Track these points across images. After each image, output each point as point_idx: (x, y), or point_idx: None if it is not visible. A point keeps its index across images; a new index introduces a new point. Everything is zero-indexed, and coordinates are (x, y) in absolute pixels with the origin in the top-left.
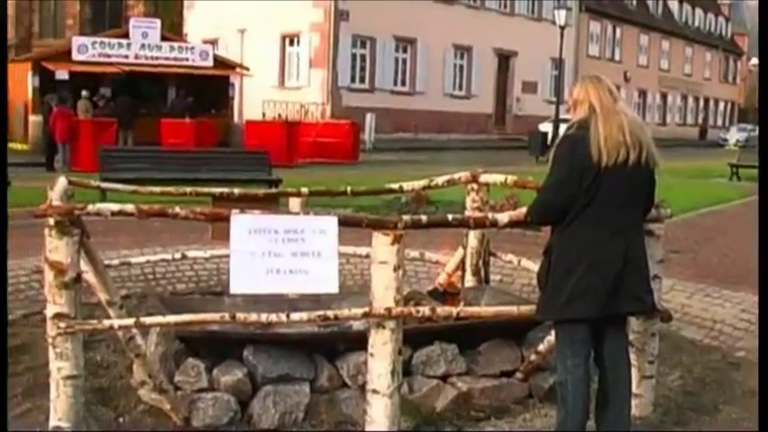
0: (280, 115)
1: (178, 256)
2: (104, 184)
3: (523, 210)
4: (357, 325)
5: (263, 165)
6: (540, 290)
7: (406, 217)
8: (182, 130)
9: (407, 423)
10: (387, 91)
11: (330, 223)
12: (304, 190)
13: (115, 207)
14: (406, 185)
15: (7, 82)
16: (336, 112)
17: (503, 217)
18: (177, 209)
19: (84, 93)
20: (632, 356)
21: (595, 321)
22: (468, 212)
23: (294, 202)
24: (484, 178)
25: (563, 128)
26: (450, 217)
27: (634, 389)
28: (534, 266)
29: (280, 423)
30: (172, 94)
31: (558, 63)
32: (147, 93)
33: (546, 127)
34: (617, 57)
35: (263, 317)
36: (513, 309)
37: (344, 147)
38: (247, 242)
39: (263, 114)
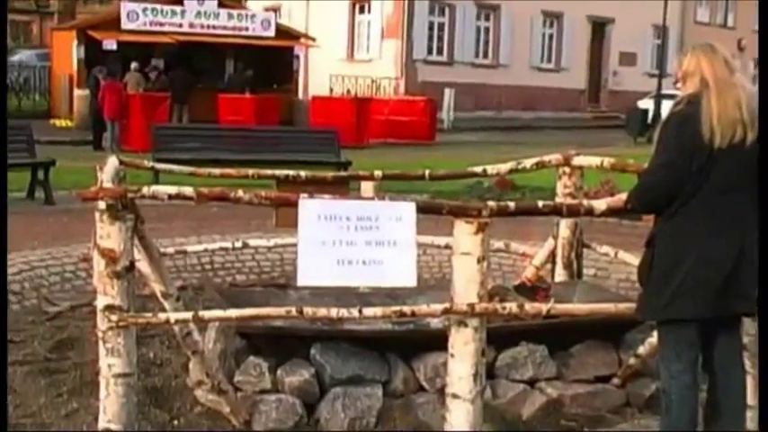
0: (348, 91)
1: (239, 244)
2: (158, 165)
3: (623, 196)
4: (435, 322)
5: (331, 145)
6: (641, 286)
7: (491, 203)
8: (241, 107)
9: (490, 431)
10: (467, 64)
11: (407, 209)
12: (377, 173)
13: (172, 190)
14: (491, 169)
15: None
16: (411, 88)
17: (599, 204)
18: (240, 192)
19: (134, 65)
20: (747, 362)
21: (704, 322)
22: (559, 199)
23: (366, 187)
24: (577, 161)
25: (666, 104)
26: (540, 203)
27: (749, 400)
28: (633, 259)
29: (349, 428)
30: (230, 67)
31: (662, 31)
32: (204, 65)
33: (646, 104)
34: (730, 22)
35: (333, 312)
36: (610, 307)
37: (420, 126)
38: (316, 230)
39: (331, 90)
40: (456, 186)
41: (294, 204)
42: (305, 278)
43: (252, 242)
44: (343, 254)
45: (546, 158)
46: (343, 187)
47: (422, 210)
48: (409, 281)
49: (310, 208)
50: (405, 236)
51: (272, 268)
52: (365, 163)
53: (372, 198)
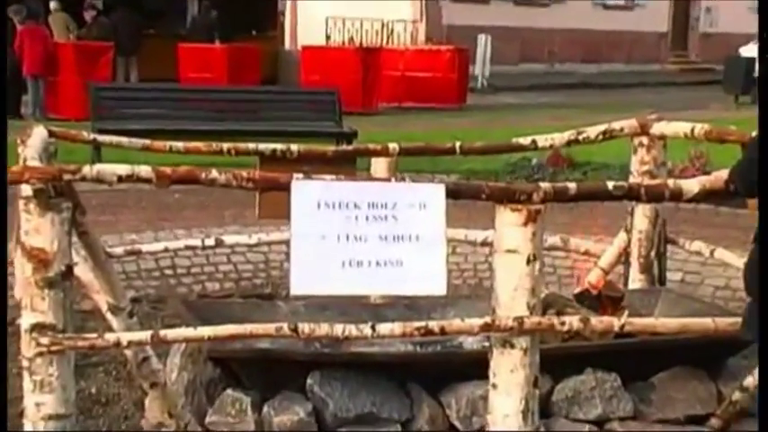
0: (351, 39)
1: (210, 242)
2: (102, 137)
3: (721, 174)
4: (471, 343)
5: (331, 111)
6: (749, 295)
7: (544, 185)
8: (209, 61)
9: None
10: (508, 0)
11: (434, 194)
12: (393, 146)
13: (123, 170)
14: (542, 140)
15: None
16: (434, 34)
17: (690, 185)
18: (214, 172)
19: (53, 3)
20: None
21: None
22: (634, 179)
23: (379, 165)
24: (657, 128)
25: None
26: (609, 185)
27: None
28: (736, 260)
29: None
30: (193, 6)
31: None
32: (157, 4)
33: (750, 50)
34: None
35: (338, 329)
36: (706, 322)
37: (446, 84)
38: (315, 221)
39: (328, 38)
40: (495, 164)
41: (285, 188)
42: (300, 285)
43: (228, 239)
44: (351, 253)
45: (616, 126)
46: (348, 165)
47: (453, 194)
48: (437, 288)
49: (307, 193)
50: (431, 229)
51: (254, 273)
52: (376, 134)
53: (388, 179)
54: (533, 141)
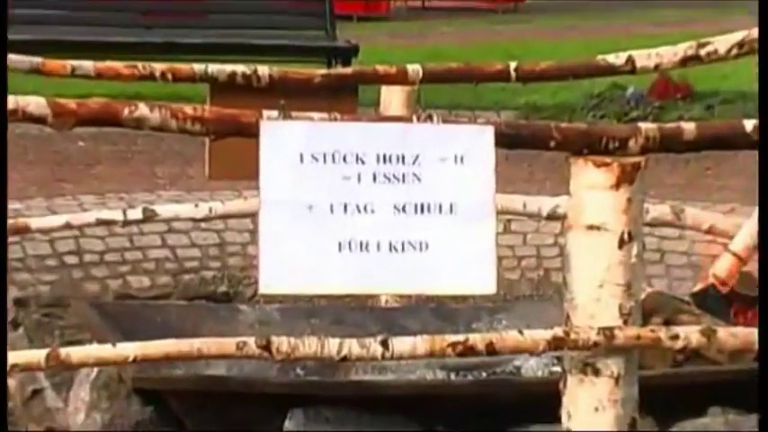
0: None
1: (135, 214)
2: None
3: None
4: (534, 367)
5: (319, 14)
6: None
7: (646, 126)
8: None
9: None
10: None
11: (477, 142)
12: (413, 69)
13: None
14: (642, 57)
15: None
16: None
17: None
18: (142, 108)
19: None
20: None
21: None
22: None
23: (393, 97)
24: None
25: None
26: (748, 125)
27: None
28: None
29: None
30: None
31: None
32: None
33: None
34: None
35: (332, 346)
36: None
37: None
38: (296, 183)
39: None
40: (569, 95)
41: (250, 132)
42: (273, 281)
43: (162, 210)
44: (350, 231)
45: (754, 33)
46: (345, 98)
47: (505, 141)
48: (481, 284)
49: (283, 140)
50: (472, 194)
51: (202, 262)
52: (387, 50)
53: (406, 119)
54: (629, 60)
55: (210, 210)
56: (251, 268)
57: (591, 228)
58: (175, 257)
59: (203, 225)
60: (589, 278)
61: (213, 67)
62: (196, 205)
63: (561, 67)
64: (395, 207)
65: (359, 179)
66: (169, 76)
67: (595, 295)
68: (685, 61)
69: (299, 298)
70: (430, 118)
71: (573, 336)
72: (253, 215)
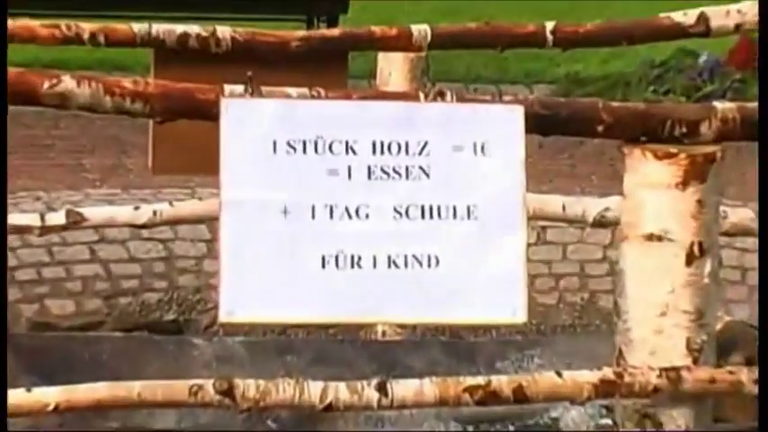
0: None
1: (56, 218)
2: None
3: None
4: (576, 419)
5: None
6: None
7: (725, 105)
8: None
9: None
10: None
11: (503, 125)
12: (419, 31)
13: None
14: (718, 14)
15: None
16: None
17: None
18: (66, 81)
19: None
20: None
21: None
22: None
23: (393, 67)
24: None
25: None
26: None
27: None
28: None
29: None
30: None
31: None
32: None
33: None
34: None
35: (313, 391)
36: None
37: None
38: (267, 179)
39: None
40: (623, 64)
41: (207, 112)
42: (236, 306)
43: (91, 213)
44: (338, 240)
45: None
46: (331, 67)
47: (540, 124)
48: (508, 310)
49: (252, 120)
50: (496, 193)
51: (143, 281)
52: (385, 5)
53: (410, 96)
54: (702, 18)
55: (155, 213)
56: (208, 289)
57: (651, 238)
58: (109, 275)
59: (145, 233)
60: (648, 303)
61: (159, 27)
62: (136, 207)
63: (612, 27)
64: (396, 210)
65: (349, 174)
66: (101, 38)
67: (656, 326)
68: None
69: (270, 328)
70: (441, 95)
71: (627, 378)
72: (210, 220)
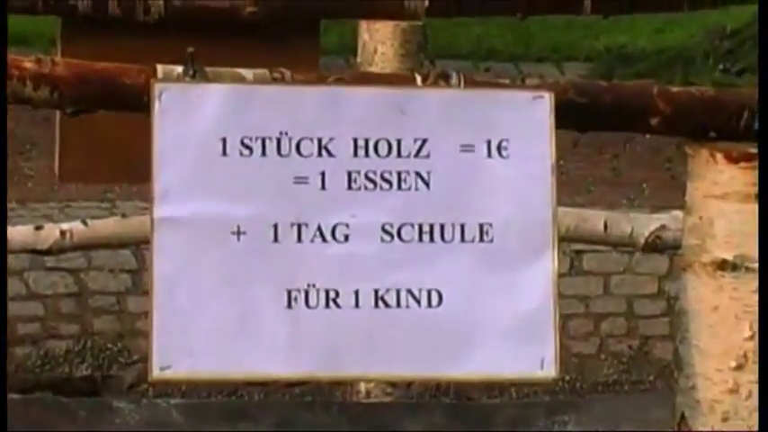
0: None
1: None
2: None
3: None
4: None
5: None
6: None
7: None
8: None
9: None
10: None
11: (527, 114)
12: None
13: None
14: None
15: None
16: None
17: None
18: None
19: None
20: None
21: None
22: None
23: (379, 38)
24: None
25: None
26: None
27: None
28: None
29: None
30: None
31: None
32: None
33: None
34: None
35: None
36: None
37: None
38: (214, 187)
39: None
40: (682, 33)
41: (134, 101)
42: (172, 356)
43: None
44: (309, 269)
45: None
46: (299, 39)
47: (574, 115)
48: (533, 361)
49: (194, 111)
50: (518, 207)
51: (46, 324)
52: None
53: (404, 77)
54: None
55: (63, 234)
56: (133, 336)
57: (724, 266)
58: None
59: (50, 261)
60: (721, 353)
61: None
62: (38, 227)
63: None
64: (385, 230)
65: (323, 183)
66: None
67: (730, 382)
68: None
69: (217, 388)
70: (444, 77)
71: None
72: (136, 245)
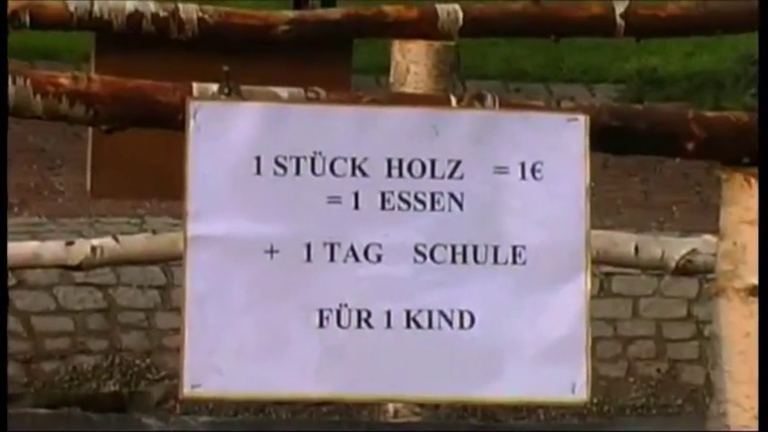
0: None
1: None
2: None
3: None
4: None
5: None
6: None
7: None
8: None
9: None
10: None
11: (561, 137)
12: (448, 11)
13: None
14: None
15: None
16: None
17: None
18: None
19: None
20: None
21: None
22: None
23: (412, 59)
24: None
25: None
26: None
27: None
28: None
29: None
30: None
31: None
32: None
33: None
34: None
35: None
36: None
37: None
38: (247, 206)
39: None
40: (714, 58)
41: (168, 119)
42: (202, 374)
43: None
44: (340, 289)
45: None
46: (332, 59)
47: (606, 138)
48: (564, 384)
49: (228, 130)
50: (550, 229)
51: (75, 339)
52: None
53: (437, 99)
54: None
55: (93, 250)
56: (161, 352)
57: (756, 291)
58: (30, 332)
59: (79, 276)
60: (750, 379)
61: (102, 4)
62: (68, 243)
63: (704, 10)
64: (417, 251)
65: (356, 203)
66: (25, 17)
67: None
68: None
69: (244, 406)
70: (479, 98)
71: None
72: (166, 261)
